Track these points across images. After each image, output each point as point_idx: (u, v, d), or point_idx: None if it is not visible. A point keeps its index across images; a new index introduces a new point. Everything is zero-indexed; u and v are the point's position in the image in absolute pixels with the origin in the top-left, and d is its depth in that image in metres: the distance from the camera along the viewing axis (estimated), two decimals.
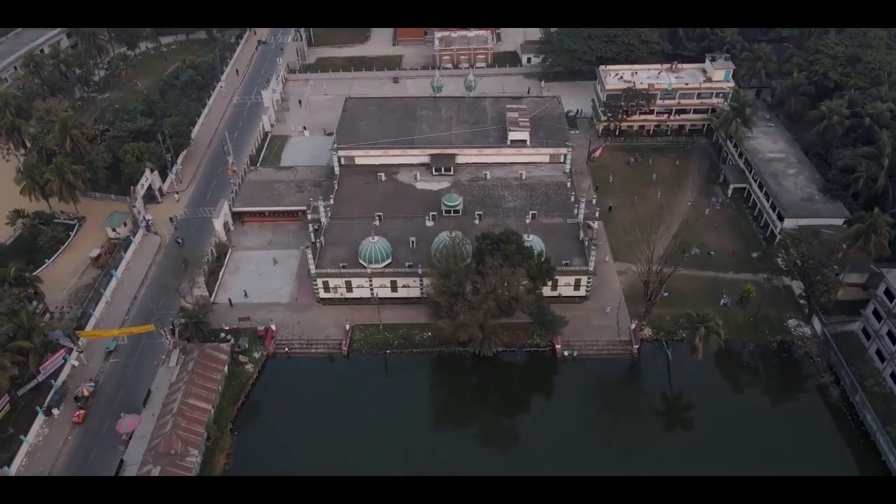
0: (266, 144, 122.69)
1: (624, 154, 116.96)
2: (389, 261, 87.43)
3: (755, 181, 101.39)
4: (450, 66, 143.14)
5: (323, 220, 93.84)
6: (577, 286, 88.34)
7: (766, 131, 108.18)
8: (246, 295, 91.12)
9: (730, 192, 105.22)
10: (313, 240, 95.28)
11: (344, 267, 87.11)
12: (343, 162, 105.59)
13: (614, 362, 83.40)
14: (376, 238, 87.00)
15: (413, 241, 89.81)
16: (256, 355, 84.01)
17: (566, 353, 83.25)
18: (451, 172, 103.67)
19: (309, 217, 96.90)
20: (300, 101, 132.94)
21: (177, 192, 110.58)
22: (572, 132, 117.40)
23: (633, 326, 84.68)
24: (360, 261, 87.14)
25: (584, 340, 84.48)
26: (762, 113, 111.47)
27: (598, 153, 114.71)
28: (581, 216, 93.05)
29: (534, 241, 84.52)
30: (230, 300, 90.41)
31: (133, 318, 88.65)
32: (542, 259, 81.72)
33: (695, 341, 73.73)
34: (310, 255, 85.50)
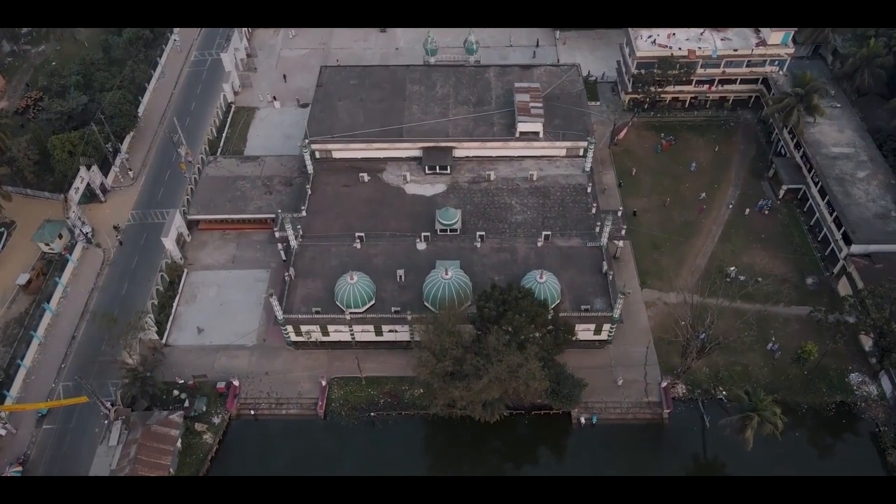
0: (229, 121, 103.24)
1: (653, 134, 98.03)
2: (372, 302, 72.30)
3: (815, 183, 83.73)
4: None
5: (292, 242, 77.63)
6: (598, 330, 73.68)
7: (831, 115, 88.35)
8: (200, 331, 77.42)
9: (781, 192, 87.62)
10: (283, 258, 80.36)
11: (318, 312, 72.00)
12: (318, 156, 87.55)
13: (641, 430, 70.20)
14: (355, 277, 71.17)
15: (401, 275, 74.12)
16: (216, 420, 70.82)
17: (583, 420, 70.00)
18: (448, 171, 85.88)
19: (276, 234, 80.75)
20: (285, 77, 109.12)
21: (130, 171, 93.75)
22: (593, 104, 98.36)
23: (665, 384, 70.92)
24: (338, 303, 72.01)
25: (604, 402, 70.96)
26: (828, 87, 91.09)
27: (622, 134, 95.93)
28: (605, 237, 76.71)
29: (548, 285, 69.05)
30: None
31: (71, 364, 74.74)
32: (559, 313, 66.80)
33: (745, 433, 60.00)
34: (275, 302, 70.00)
